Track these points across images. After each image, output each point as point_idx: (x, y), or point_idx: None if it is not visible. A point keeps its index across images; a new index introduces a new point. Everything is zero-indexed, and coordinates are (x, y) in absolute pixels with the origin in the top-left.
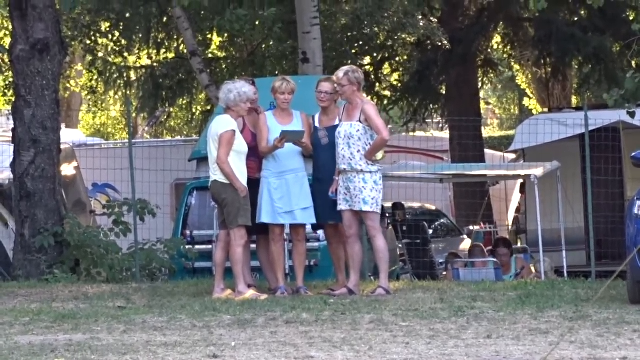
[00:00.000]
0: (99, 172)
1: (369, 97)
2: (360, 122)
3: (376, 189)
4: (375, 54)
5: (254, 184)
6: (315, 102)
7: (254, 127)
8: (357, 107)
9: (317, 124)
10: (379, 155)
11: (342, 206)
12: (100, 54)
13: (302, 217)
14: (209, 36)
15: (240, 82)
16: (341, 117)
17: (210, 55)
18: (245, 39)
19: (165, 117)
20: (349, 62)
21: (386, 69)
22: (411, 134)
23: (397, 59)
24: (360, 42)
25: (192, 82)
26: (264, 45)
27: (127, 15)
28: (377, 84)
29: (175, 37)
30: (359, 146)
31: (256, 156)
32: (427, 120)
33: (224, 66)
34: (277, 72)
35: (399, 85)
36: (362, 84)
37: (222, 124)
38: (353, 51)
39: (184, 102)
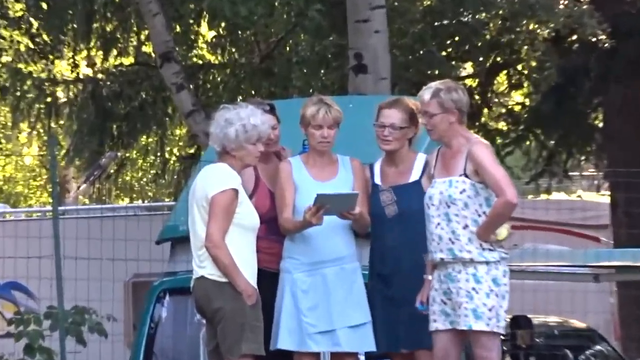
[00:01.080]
0: (0, 263)
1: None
2: (467, 176)
3: (498, 292)
4: (481, 58)
5: (270, 280)
6: (376, 142)
7: (272, 184)
8: (460, 151)
9: (377, 180)
10: (503, 232)
11: (437, 324)
12: (5, 58)
13: (351, 341)
14: (194, 28)
15: (249, 108)
16: (433, 170)
17: (196, 61)
18: (257, 33)
19: (117, 167)
20: (438, 72)
21: (501, 83)
22: (544, 197)
23: (520, 67)
24: (456, 38)
25: (163, 107)
26: (288, 44)
27: None
28: (485, 111)
29: (136, 29)
30: (467, 218)
31: (277, 233)
32: (571, 174)
33: (219, 79)
34: (311, 90)
35: (523, 112)
36: (464, 110)
37: (215, 179)
38: (444, 53)
39: (150, 141)
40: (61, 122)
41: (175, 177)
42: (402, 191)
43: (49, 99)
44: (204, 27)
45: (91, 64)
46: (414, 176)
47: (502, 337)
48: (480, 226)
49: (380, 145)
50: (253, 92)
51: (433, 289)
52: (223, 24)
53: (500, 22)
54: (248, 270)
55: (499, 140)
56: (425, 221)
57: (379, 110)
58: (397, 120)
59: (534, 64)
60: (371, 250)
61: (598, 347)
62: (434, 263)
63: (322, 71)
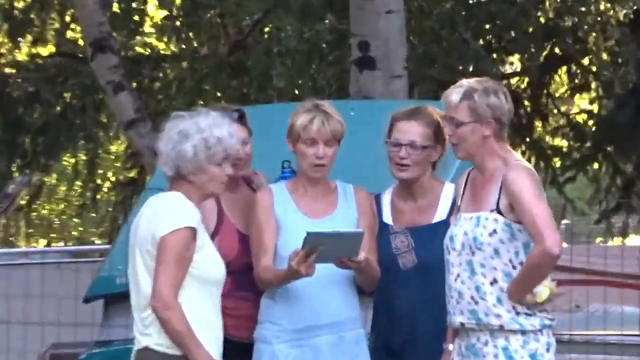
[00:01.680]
0: None
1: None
2: (501, 212)
3: None
4: (533, 50)
5: (238, 354)
6: (387, 164)
7: (240, 221)
8: (494, 178)
9: (387, 219)
10: (543, 291)
11: None
12: None
13: None
14: (139, 7)
15: (211, 116)
16: (460, 201)
17: (140, 51)
18: (225, 14)
19: (29, 196)
20: (473, 69)
21: (560, 84)
22: (618, 241)
23: (587, 61)
24: (498, 22)
25: (94, 114)
26: (267, 30)
27: None
28: (539, 121)
29: (58, 8)
30: (497, 270)
31: (252, 288)
32: None
33: (171, 76)
34: (297, 92)
35: (590, 123)
36: (505, 122)
37: (165, 214)
38: (481, 42)
39: (77, 161)
40: None
41: (109, 210)
42: (422, 235)
43: None
44: (151, 6)
45: None
46: (440, 215)
47: None
48: (512, 282)
49: (393, 172)
50: (218, 95)
51: None
52: (177, 1)
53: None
54: (211, 339)
55: (556, 163)
56: (446, 272)
57: (392, 122)
58: (418, 137)
59: (605, 57)
60: (375, 313)
61: None
62: (454, 328)
63: (314, 66)
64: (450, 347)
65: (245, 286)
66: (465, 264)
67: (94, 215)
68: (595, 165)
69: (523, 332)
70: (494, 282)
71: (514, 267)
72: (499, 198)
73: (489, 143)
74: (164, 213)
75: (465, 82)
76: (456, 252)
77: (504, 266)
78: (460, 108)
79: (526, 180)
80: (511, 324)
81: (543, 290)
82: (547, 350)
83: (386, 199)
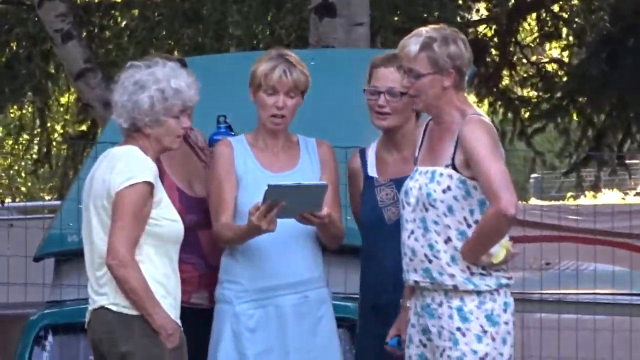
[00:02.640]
0: None
1: (485, 105)
2: (456, 167)
3: (494, 333)
4: None
5: (190, 317)
6: (358, 116)
7: (186, 178)
8: (451, 131)
9: (372, 172)
10: (499, 251)
11: None
12: None
13: None
14: None
15: (168, 66)
16: (417, 155)
17: None
18: None
19: None
20: (438, 16)
21: (529, 32)
22: (590, 196)
23: (557, 7)
24: None
25: (42, 64)
26: None
27: None
28: (507, 71)
29: None
30: (452, 228)
31: (194, 250)
32: (628, 162)
33: (122, 24)
34: (255, 42)
35: (561, 74)
36: (465, 72)
37: (121, 168)
38: None
39: (24, 113)
40: None
41: (60, 165)
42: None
43: None
44: None
45: None
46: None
47: None
48: (466, 243)
49: (373, 121)
50: (171, 44)
51: (410, 324)
52: None
53: None
54: (168, 298)
55: (525, 113)
56: (401, 229)
57: (370, 70)
58: (397, 83)
59: (577, 2)
60: (362, 272)
61: None
62: (408, 287)
63: (271, 13)
64: (408, 303)
65: (186, 247)
66: (419, 220)
67: (42, 170)
68: (566, 117)
69: (478, 293)
70: (447, 240)
71: (469, 226)
72: (454, 153)
73: (448, 94)
74: (119, 167)
75: (422, 31)
76: (410, 207)
77: (458, 224)
78: (419, 59)
79: (482, 135)
80: (465, 284)
81: (499, 250)
82: (505, 310)
83: (371, 152)
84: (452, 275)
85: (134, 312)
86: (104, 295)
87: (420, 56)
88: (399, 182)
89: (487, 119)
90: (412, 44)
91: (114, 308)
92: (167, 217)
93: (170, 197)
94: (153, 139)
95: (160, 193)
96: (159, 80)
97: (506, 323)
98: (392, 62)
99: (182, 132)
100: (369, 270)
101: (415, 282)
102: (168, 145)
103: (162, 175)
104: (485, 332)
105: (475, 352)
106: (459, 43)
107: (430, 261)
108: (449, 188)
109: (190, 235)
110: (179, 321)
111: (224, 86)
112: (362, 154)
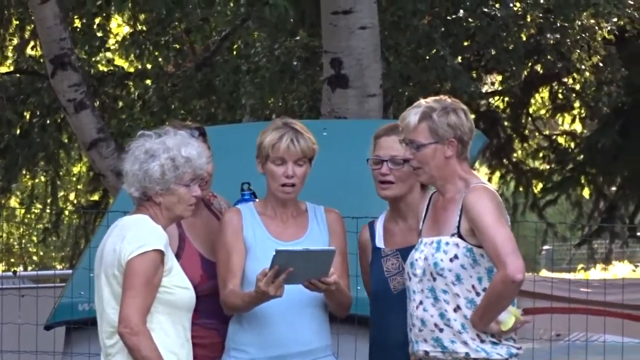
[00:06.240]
0: None
1: (495, 176)
2: (462, 236)
3: None
4: (513, 66)
5: None
6: (367, 185)
7: (207, 245)
8: (454, 201)
9: (379, 243)
10: (508, 318)
11: None
12: None
13: None
14: (100, 21)
15: (179, 135)
16: (421, 227)
17: (103, 68)
18: (192, 30)
19: None
20: (451, 87)
21: (541, 105)
22: (600, 268)
23: (570, 80)
24: (477, 39)
25: (55, 134)
26: (235, 46)
27: None
28: (519, 143)
29: (17, 23)
30: (461, 297)
31: (217, 315)
32: (638, 235)
33: (136, 95)
34: (267, 112)
35: (573, 145)
36: (467, 141)
37: (132, 237)
38: (459, 60)
39: (37, 182)
40: None
41: (72, 234)
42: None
43: None
44: (114, 20)
45: None
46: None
47: None
48: (475, 310)
49: (378, 192)
50: (184, 114)
51: None
52: (142, 16)
53: (541, 15)
54: None
55: (537, 185)
56: (407, 300)
57: (374, 140)
58: (400, 152)
59: (589, 75)
60: (371, 345)
61: None
62: (416, 358)
63: (284, 84)
64: None
65: (209, 313)
66: (428, 290)
67: (54, 239)
68: (578, 189)
69: None
70: (457, 309)
71: (477, 294)
72: (459, 222)
73: (451, 164)
74: (130, 236)
75: (422, 102)
76: (417, 278)
77: (467, 293)
78: (420, 129)
79: (486, 203)
80: (478, 352)
81: (508, 317)
82: None
83: (379, 223)
84: (464, 343)
85: None
86: None
87: (420, 127)
88: (404, 252)
89: (491, 186)
90: (411, 114)
91: None
92: (178, 285)
93: (192, 263)
94: (164, 207)
95: (171, 261)
96: (169, 149)
97: None
98: (395, 131)
99: (193, 201)
100: (376, 341)
101: (426, 352)
102: (180, 214)
103: (184, 241)
104: None
105: None
106: (459, 113)
107: (441, 330)
108: (456, 257)
109: (213, 301)
110: None
111: (242, 154)
112: (372, 226)
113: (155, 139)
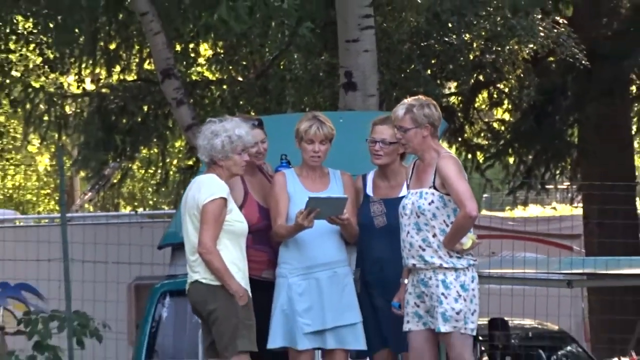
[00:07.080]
0: (12, 265)
1: (453, 148)
2: (436, 188)
3: (465, 296)
4: (464, 77)
5: (261, 287)
6: (368, 157)
7: (262, 196)
8: (431, 165)
9: (369, 191)
10: (467, 241)
11: (410, 325)
12: (14, 72)
13: (342, 339)
14: (194, 47)
15: (234, 120)
16: (409, 182)
17: (195, 77)
18: (253, 51)
19: (120, 177)
20: (423, 90)
21: (483, 101)
22: (521, 208)
23: (501, 85)
24: (441, 58)
25: (164, 121)
26: (282, 63)
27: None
28: (468, 127)
29: (138, 47)
30: (436, 228)
31: (266, 243)
32: (547, 187)
33: (216, 94)
34: (303, 106)
35: (503, 129)
36: (437, 125)
37: (205, 189)
38: (429, 72)
39: (152, 153)
40: (69, 134)
41: (175, 187)
42: (391, 204)
43: (58, 112)
44: (202, 46)
45: (95, 79)
46: (404, 191)
47: (480, 338)
48: (445, 236)
49: (372, 160)
50: (249, 108)
51: (407, 292)
52: (221, 43)
53: (482, 42)
54: (239, 273)
55: (480, 155)
56: (400, 230)
57: (372, 126)
58: (388, 136)
59: (514, 82)
60: (358, 258)
61: (569, 348)
62: (408, 268)
63: (314, 88)
64: (406, 281)
65: (261, 241)
66: (414, 224)
67: (164, 190)
68: (507, 157)
69: (455, 269)
70: (434, 236)
71: (447, 226)
72: (434, 179)
73: (427, 141)
74: (204, 188)
75: (406, 101)
76: (407, 216)
77: (440, 225)
78: (405, 119)
79: (452, 166)
80: (447, 263)
81: (467, 240)
82: (472, 281)
83: (370, 177)
84: (440, 257)
85: (217, 283)
86: (197, 272)
87: (405, 117)
88: (386, 201)
89: (454, 155)
90: (399, 109)
91: (204, 281)
92: (236, 220)
93: (252, 209)
94: (225, 168)
95: (231, 204)
96: (227, 130)
97: (473, 290)
98: (386, 121)
99: (244, 164)
100: (362, 257)
101: (413, 264)
102: (235, 172)
103: (247, 194)
104: (460, 295)
105: (453, 309)
106: (431, 107)
107: (423, 250)
108: (432, 202)
109: (263, 233)
110: (248, 288)
111: (287, 134)
112: (364, 178)
113: (218, 124)
